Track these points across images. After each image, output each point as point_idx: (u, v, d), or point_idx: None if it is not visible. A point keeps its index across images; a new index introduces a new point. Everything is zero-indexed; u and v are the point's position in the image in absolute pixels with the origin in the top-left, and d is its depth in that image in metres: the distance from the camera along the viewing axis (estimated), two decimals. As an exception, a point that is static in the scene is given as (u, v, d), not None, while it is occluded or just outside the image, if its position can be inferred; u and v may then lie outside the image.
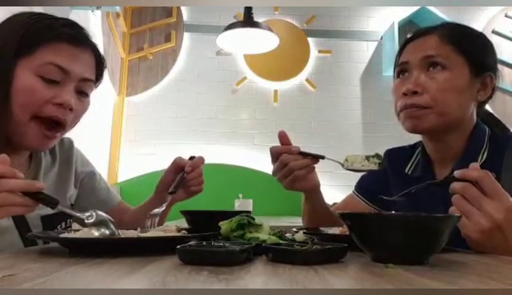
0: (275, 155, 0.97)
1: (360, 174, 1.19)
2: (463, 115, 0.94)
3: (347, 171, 0.98)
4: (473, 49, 0.95)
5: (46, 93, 0.85)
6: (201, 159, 1.08)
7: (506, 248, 0.68)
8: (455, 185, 0.71)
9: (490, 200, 0.68)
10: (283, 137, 0.98)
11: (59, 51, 0.86)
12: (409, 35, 1.06)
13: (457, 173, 0.71)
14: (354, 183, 1.22)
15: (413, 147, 1.11)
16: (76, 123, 0.94)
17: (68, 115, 0.88)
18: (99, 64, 0.96)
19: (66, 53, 0.87)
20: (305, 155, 0.96)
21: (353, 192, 1.19)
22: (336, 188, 2.78)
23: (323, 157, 0.96)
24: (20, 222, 0.88)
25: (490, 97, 0.98)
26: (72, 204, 1.05)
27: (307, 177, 0.97)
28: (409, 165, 1.06)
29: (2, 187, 0.65)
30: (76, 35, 0.90)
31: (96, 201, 1.10)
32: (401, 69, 0.99)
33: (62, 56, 0.86)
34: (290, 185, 0.97)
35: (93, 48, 0.94)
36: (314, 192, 1.05)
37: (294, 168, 0.94)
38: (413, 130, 0.97)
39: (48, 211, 0.89)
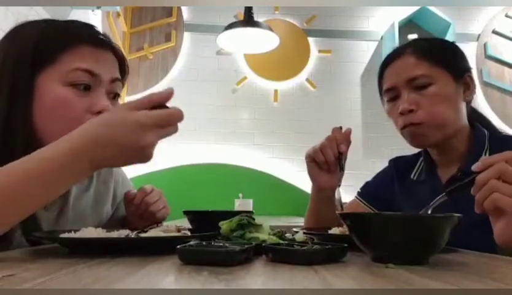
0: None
1: (363, 180, 1.23)
2: (459, 119, 0.99)
3: (348, 172, 1.03)
4: (447, 57, 1.01)
5: (82, 103, 0.77)
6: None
7: None
8: (482, 176, 0.65)
9: None
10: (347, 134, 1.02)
11: (82, 54, 0.79)
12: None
13: (475, 166, 0.67)
14: (355, 184, 1.22)
15: (417, 155, 1.14)
16: None
17: None
18: (122, 65, 0.88)
19: (90, 55, 0.79)
20: (339, 161, 1.01)
21: (357, 197, 1.19)
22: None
23: (342, 170, 1.02)
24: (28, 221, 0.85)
25: (473, 94, 1.05)
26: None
27: (320, 170, 1.03)
28: (413, 171, 1.09)
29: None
30: (95, 35, 0.82)
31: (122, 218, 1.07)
32: (391, 94, 1.03)
33: (87, 59, 0.79)
34: (308, 161, 1.04)
35: (114, 48, 0.86)
36: (320, 191, 1.08)
37: (324, 151, 1.00)
38: (418, 146, 1.04)
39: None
